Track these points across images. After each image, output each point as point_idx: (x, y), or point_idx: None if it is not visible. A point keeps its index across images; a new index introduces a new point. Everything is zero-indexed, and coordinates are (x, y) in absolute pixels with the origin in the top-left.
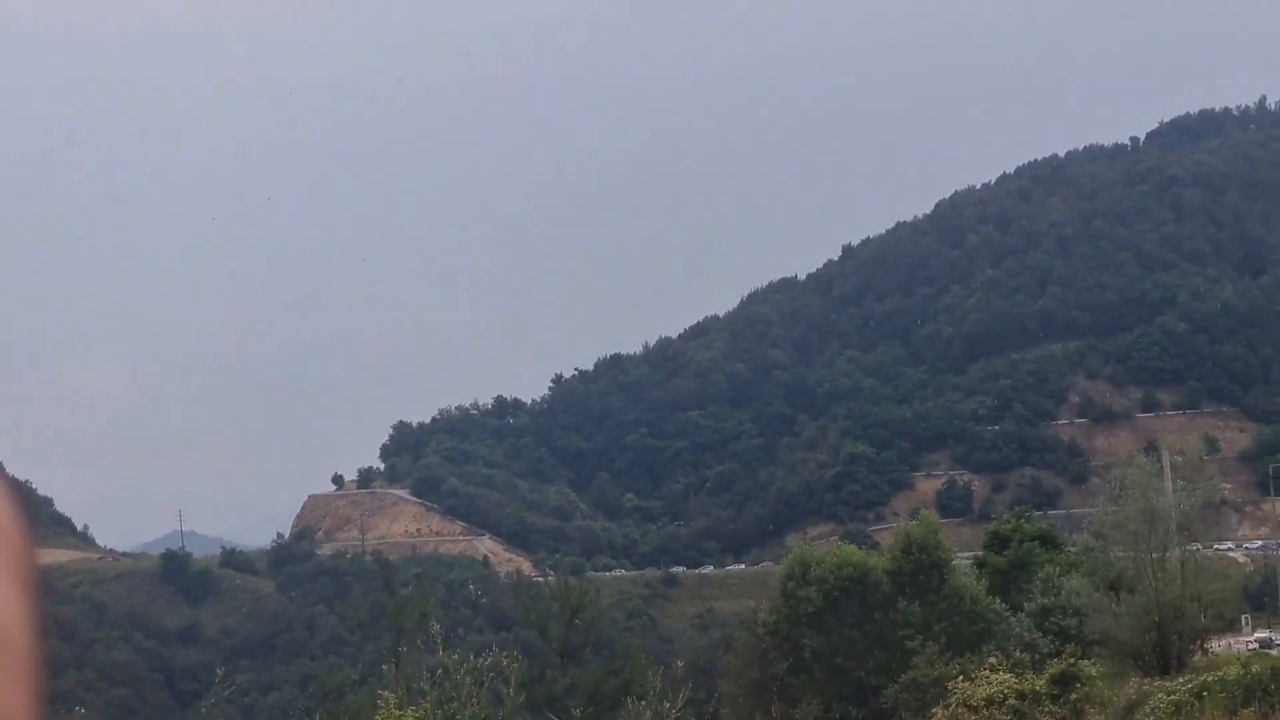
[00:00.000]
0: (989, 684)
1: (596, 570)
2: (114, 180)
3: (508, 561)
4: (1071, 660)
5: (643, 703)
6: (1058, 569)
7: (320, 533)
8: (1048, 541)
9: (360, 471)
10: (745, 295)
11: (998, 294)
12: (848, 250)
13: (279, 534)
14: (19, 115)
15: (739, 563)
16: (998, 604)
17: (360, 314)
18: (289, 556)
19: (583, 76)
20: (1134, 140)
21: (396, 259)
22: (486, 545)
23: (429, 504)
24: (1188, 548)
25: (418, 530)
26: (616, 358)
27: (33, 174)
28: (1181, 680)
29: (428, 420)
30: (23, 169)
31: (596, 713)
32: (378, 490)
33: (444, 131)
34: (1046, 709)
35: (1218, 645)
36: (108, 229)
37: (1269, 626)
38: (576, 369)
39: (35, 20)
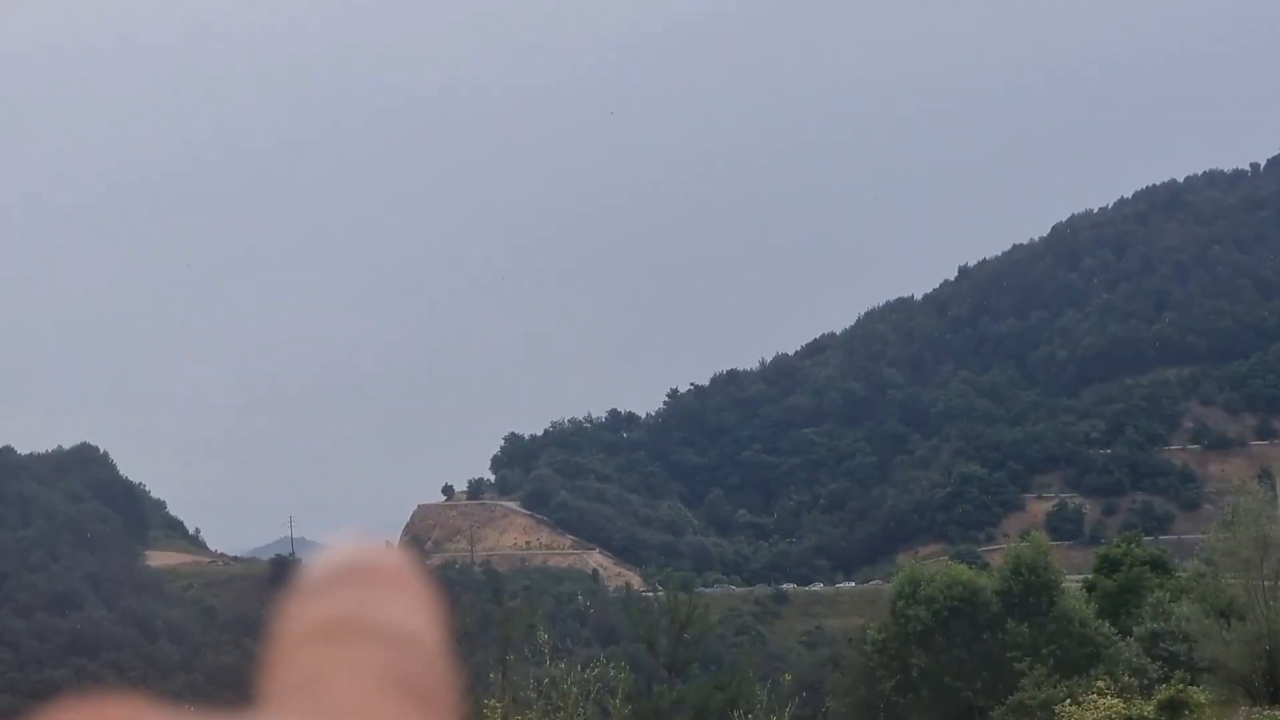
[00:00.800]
0: (1096, 708)
1: (706, 586)
2: (244, 191)
3: (617, 575)
4: (1180, 686)
5: (749, 718)
6: (1168, 594)
7: (429, 542)
8: (1158, 566)
9: (470, 482)
10: (862, 314)
11: (1113, 318)
12: (963, 271)
13: (388, 543)
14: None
15: (849, 580)
16: (1107, 628)
17: (474, 324)
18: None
19: (709, 87)
20: (1254, 166)
21: (511, 269)
22: (596, 559)
23: (539, 516)
24: None
25: (527, 542)
26: (732, 373)
27: (168, 181)
28: None
29: (540, 432)
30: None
31: None
32: (487, 501)
33: (559, 142)
34: None
35: None
36: (231, 237)
37: None
38: (692, 384)
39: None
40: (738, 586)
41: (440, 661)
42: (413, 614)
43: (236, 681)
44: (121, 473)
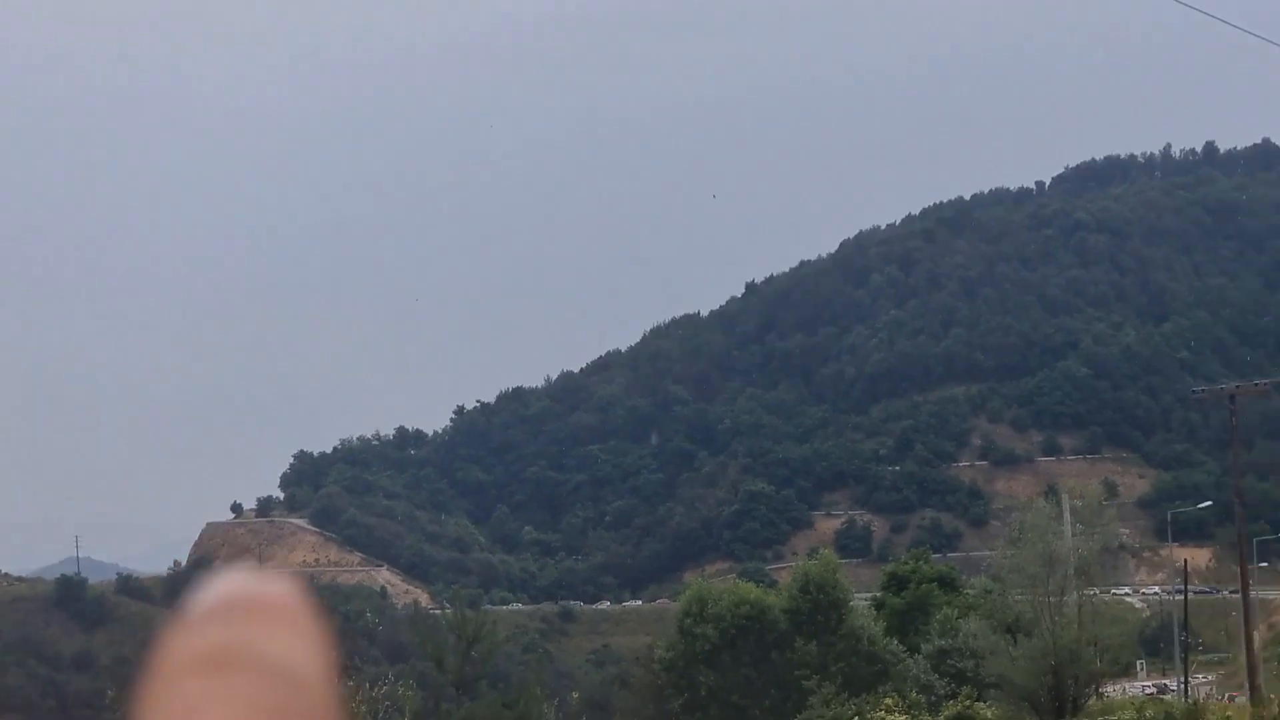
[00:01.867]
0: None
1: (494, 603)
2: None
3: (405, 593)
4: (968, 702)
5: None
6: (956, 611)
7: (218, 560)
8: (946, 583)
9: (259, 500)
10: (648, 330)
11: (901, 335)
12: (751, 288)
13: (176, 561)
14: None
15: (636, 599)
16: (895, 645)
17: (262, 342)
18: (185, 584)
19: (493, 99)
20: (1040, 185)
21: (298, 289)
22: (384, 576)
23: (328, 534)
24: (1085, 592)
25: (315, 560)
26: (518, 390)
27: None
28: None
29: (329, 450)
30: None
31: None
32: (276, 519)
33: (332, 164)
34: None
35: (1113, 690)
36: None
37: (1164, 672)
38: (479, 401)
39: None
40: (525, 604)
41: (320, 693)
42: (293, 646)
43: (21, 703)
44: None
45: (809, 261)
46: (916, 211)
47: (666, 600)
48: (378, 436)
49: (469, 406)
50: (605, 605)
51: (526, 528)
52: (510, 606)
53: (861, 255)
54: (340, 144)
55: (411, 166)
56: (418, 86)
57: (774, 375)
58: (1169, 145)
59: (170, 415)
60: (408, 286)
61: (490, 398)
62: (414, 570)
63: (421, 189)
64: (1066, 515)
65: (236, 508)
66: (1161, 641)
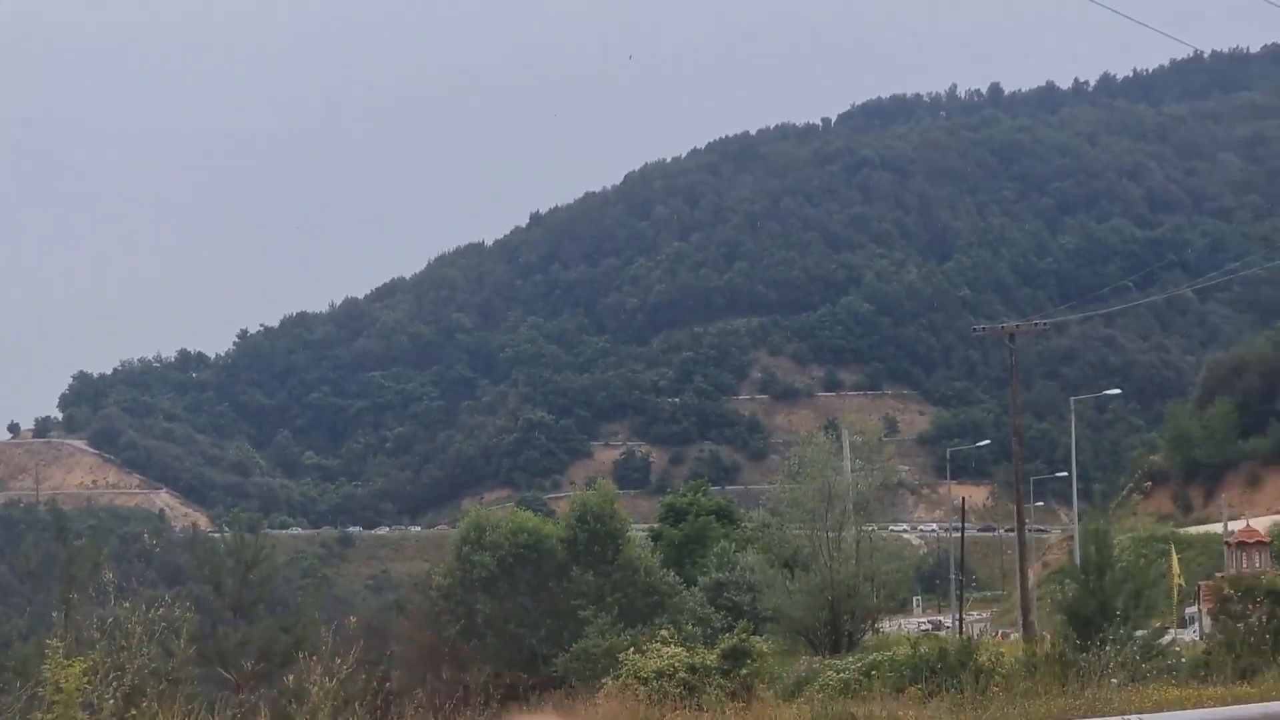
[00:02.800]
0: (660, 656)
1: (273, 528)
2: None
3: (184, 516)
4: (743, 636)
5: (314, 659)
6: (733, 544)
7: None
8: (724, 516)
9: (37, 420)
10: (432, 259)
11: (684, 267)
12: (535, 218)
13: None
14: None
15: (416, 525)
16: (672, 577)
17: (39, 260)
18: None
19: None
20: (825, 121)
21: (81, 198)
22: (164, 499)
23: (106, 455)
24: (863, 528)
25: (94, 481)
26: (302, 315)
27: None
28: (852, 659)
29: (109, 371)
30: None
31: (268, 669)
32: (54, 440)
33: (124, 74)
34: (717, 683)
35: (889, 625)
36: None
37: (940, 609)
38: (262, 325)
39: None
40: (304, 529)
41: None
42: None
43: None
44: None
45: (594, 193)
46: (702, 145)
47: (445, 527)
48: (159, 359)
49: (252, 330)
50: (384, 531)
51: (308, 453)
52: (290, 531)
53: (646, 187)
54: (129, 54)
55: (201, 79)
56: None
57: (556, 305)
58: (954, 86)
59: None
60: (192, 206)
61: (274, 322)
62: (193, 494)
63: (212, 104)
64: (846, 450)
65: (13, 428)
66: (938, 578)
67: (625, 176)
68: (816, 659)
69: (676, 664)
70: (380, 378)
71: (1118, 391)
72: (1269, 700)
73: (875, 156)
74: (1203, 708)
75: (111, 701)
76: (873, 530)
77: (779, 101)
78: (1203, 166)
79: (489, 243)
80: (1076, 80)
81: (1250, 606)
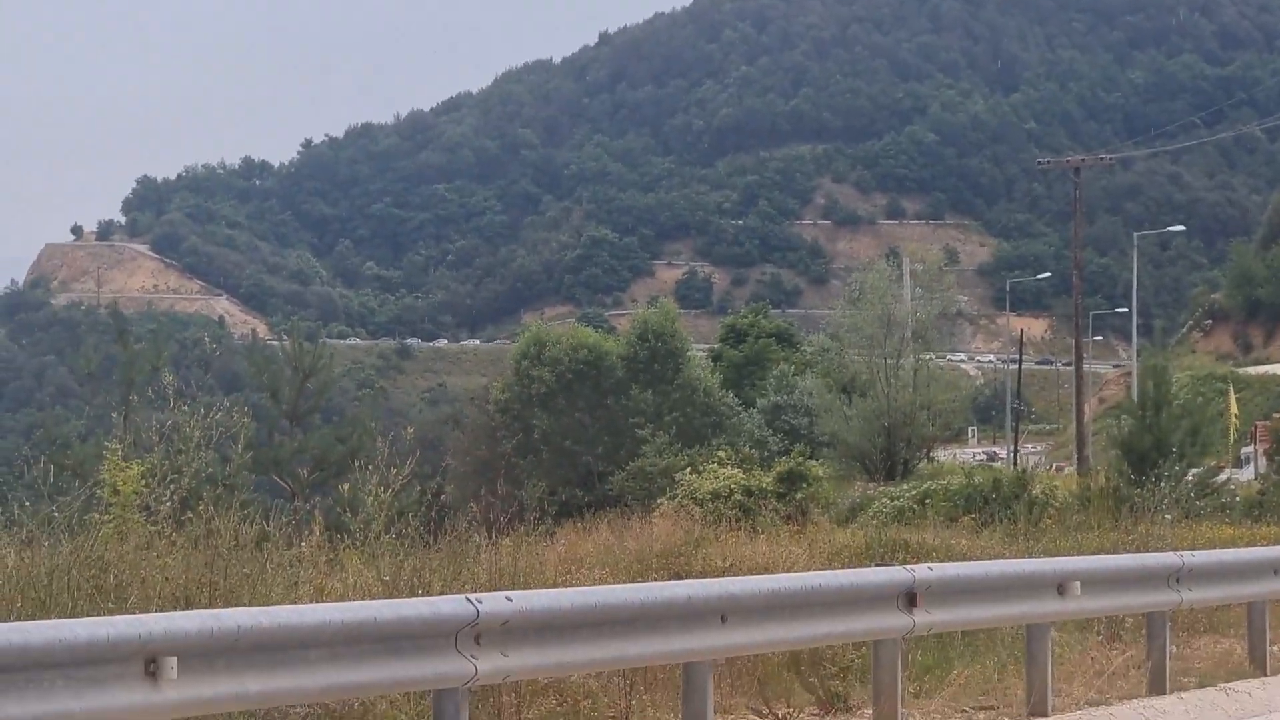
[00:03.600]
0: (716, 478)
1: (332, 337)
2: None
3: (243, 323)
4: (800, 460)
5: (369, 469)
6: (792, 368)
7: (56, 282)
8: (784, 339)
9: (100, 223)
10: (499, 74)
11: (751, 92)
12: (604, 37)
13: (13, 281)
14: None
15: (475, 339)
16: (730, 398)
17: (105, 64)
18: (22, 304)
19: None
20: None
21: (141, 9)
22: (223, 305)
23: (168, 260)
24: (921, 356)
25: (155, 286)
26: (367, 126)
27: None
28: (906, 486)
29: (173, 176)
30: None
31: (323, 478)
32: (117, 243)
33: None
34: (772, 506)
35: (944, 454)
36: None
37: (995, 440)
38: (326, 135)
39: None
40: (362, 339)
41: None
42: None
43: None
44: None
45: (663, 14)
46: None
47: (505, 342)
48: (223, 165)
49: (317, 140)
50: (443, 344)
51: (368, 263)
52: (348, 341)
53: (715, 10)
54: None
55: None
56: None
57: (622, 125)
58: None
59: (6, 133)
60: (263, 12)
61: (339, 133)
62: (253, 301)
63: None
64: (906, 278)
65: (76, 230)
66: (994, 409)
67: None
68: (871, 485)
69: (732, 485)
70: (444, 190)
71: (1181, 229)
72: None
73: None
74: (1256, 546)
75: (168, 505)
76: (930, 359)
77: None
78: (1276, 3)
79: (557, 60)
80: None
81: None
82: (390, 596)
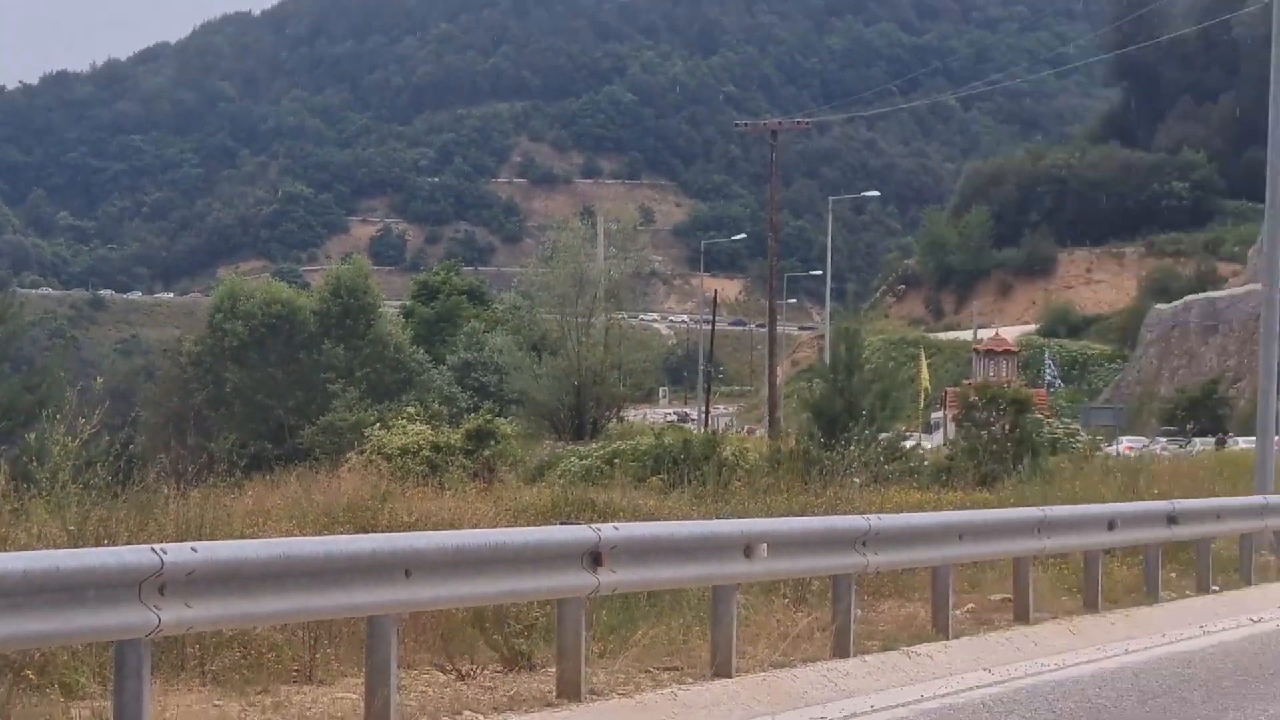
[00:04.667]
0: (405, 434)
1: (23, 286)
2: None
3: None
4: (488, 417)
5: (57, 419)
6: (483, 325)
7: None
8: (476, 297)
9: None
10: (198, 25)
11: (450, 49)
12: None
13: None
14: None
15: (169, 291)
16: (421, 355)
17: None
18: None
19: None
20: None
21: None
22: None
23: None
24: (613, 315)
25: None
26: (63, 74)
27: None
28: (595, 445)
29: None
30: None
31: (10, 427)
32: None
33: None
34: (460, 463)
35: (634, 414)
36: None
37: (686, 400)
38: (20, 82)
39: None
40: (55, 289)
41: None
42: None
43: None
44: None
45: None
46: None
47: (199, 295)
48: None
49: (10, 87)
50: (137, 296)
51: (62, 213)
52: (40, 291)
53: None
54: None
55: None
56: None
57: (321, 80)
58: None
59: None
60: None
61: (33, 80)
62: None
63: None
64: (600, 237)
65: None
66: (686, 370)
67: None
68: (560, 444)
69: (421, 442)
70: (140, 141)
71: (876, 194)
72: (1005, 505)
73: None
74: (942, 511)
75: None
76: (623, 318)
77: None
78: None
79: (256, 12)
80: None
81: (994, 414)
82: (76, 546)
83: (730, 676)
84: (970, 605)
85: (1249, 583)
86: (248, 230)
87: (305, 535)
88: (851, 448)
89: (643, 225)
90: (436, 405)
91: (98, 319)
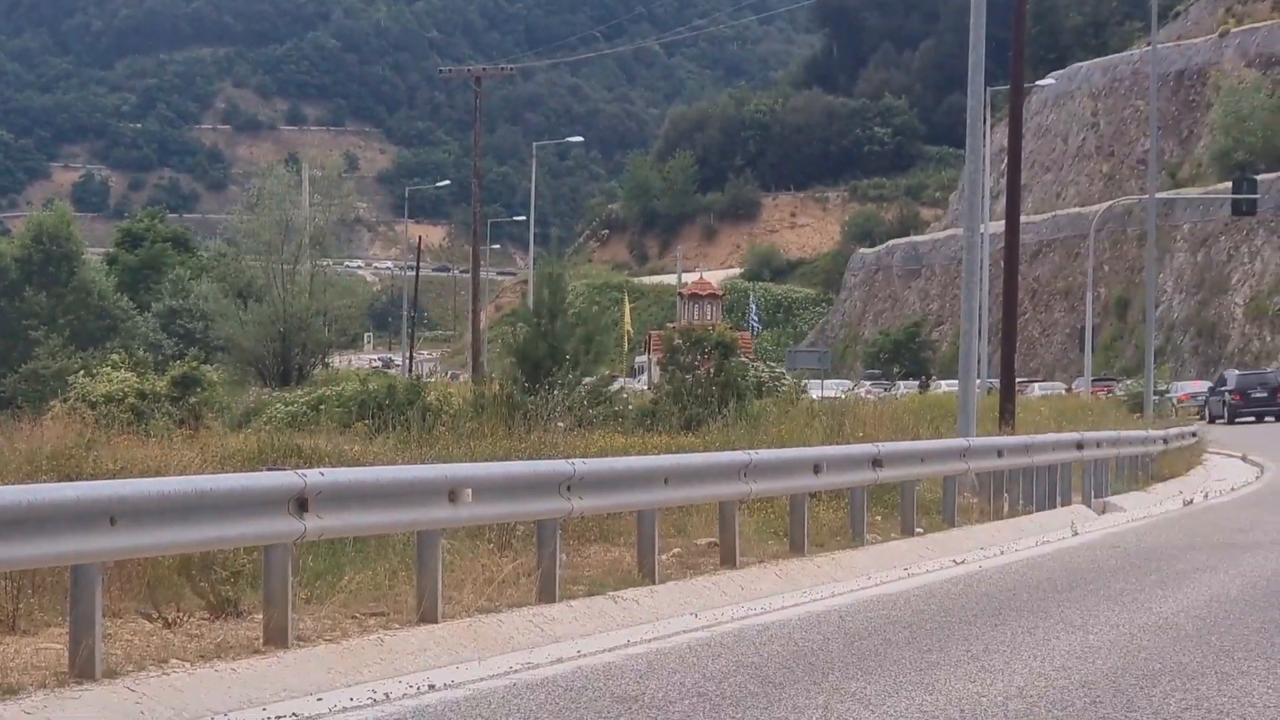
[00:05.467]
0: (109, 381)
1: None
2: None
3: None
4: (194, 364)
5: None
6: (189, 272)
7: None
8: (181, 244)
9: None
10: None
11: None
12: None
13: None
14: None
15: None
16: (125, 302)
17: None
18: None
19: None
20: None
21: None
22: None
23: None
24: (319, 262)
25: None
26: None
27: None
28: (301, 392)
29: None
30: None
31: None
32: None
33: None
34: (166, 410)
35: (340, 361)
36: None
37: (390, 346)
38: None
39: None
40: None
41: None
42: None
43: None
44: None
45: None
46: None
47: None
48: None
49: None
50: None
51: None
52: None
53: None
54: None
55: None
56: None
57: (19, 23)
58: None
59: None
60: None
61: None
62: None
63: None
64: (306, 184)
65: None
66: (391, 316)
67: None
68: (266, 391)
69: (126, 389)
70: None
71: (580, 139)
72: (710, 449)
73: None
74: (647, 455)
75: None
76: (328, 265)
77: None
78: None
79: None
80: None
81: (699, 358)
82: None
83: (436, 622)
84: (676, 550)
85: (952, 525)
86: None
87: (7, 484)
88: (556, 392)
89: (347, 172)
90: (142, 352)
91: None
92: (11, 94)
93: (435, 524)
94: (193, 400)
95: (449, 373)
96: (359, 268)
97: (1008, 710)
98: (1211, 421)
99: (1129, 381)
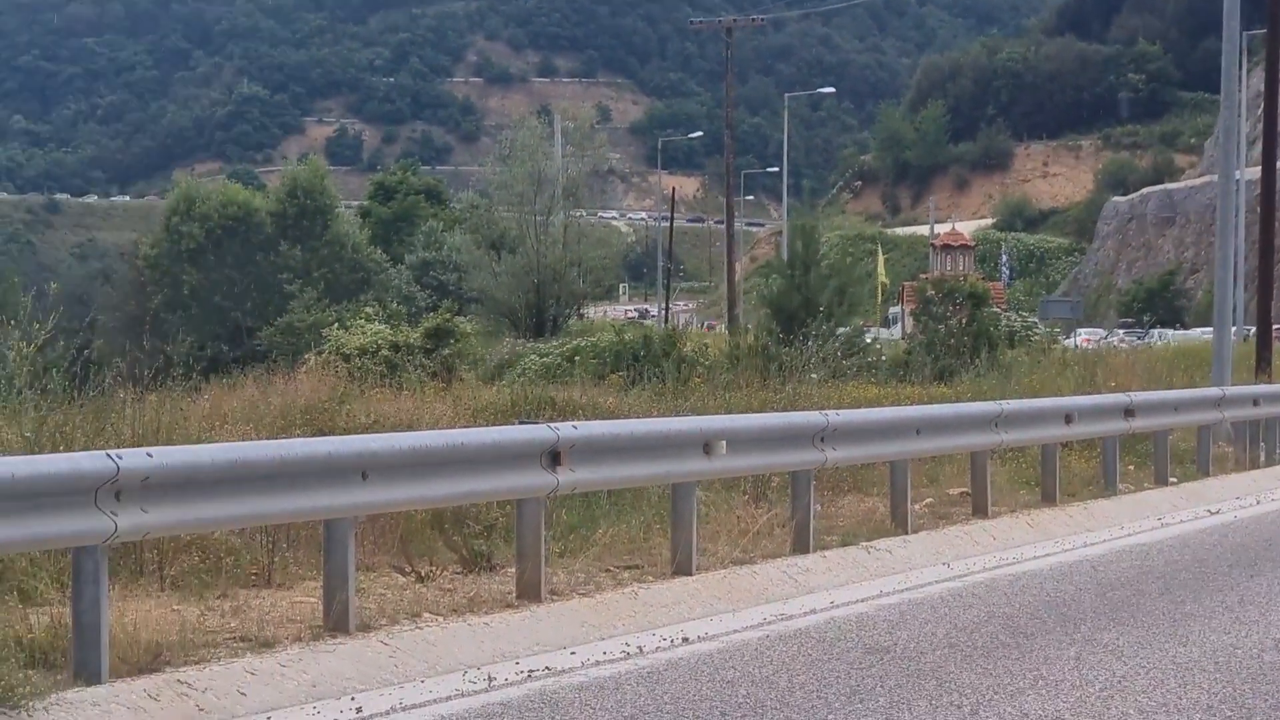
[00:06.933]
0: (363, 334)
1: None
2: None
3: None
4: (448, 316)
5: (12, 324)
6: (441, 224)
7: None
8: (433, 196)
9: None
10: None
11: None
12: None
13: None
14: None
15: (125, 194)
16: (379, 254)
17: None
18: None
19: None
20: None
21: None
22: None
23: None
24: (572, 213)
25: None
26: None
27: None
28: (555, 343)
29: None
30: None
31: None
32: None
33: None
34: (419, 362)
35: (594, 312)
36: None
37: (646, 297)
38: None
39: None
40: (10, 194)
41: None
42: None
43: None
44: None
45: None
46: None
47: (155, 198)
48: None
49: None
50: (93, 199)
51: (16, 117)
52: None
53: None
54: None
55: None
56: None
57: None
58: None
59: None
60: None
61: None
62: None
63: None
64: (558, 136)
65: None
66: (645, 267)
67: None
68: (520, 342)
69: (380, 342)
70: (93, 44)
71: (832, 90)
72: (962, 400)
73: None
74: (899, 406)
75: None
76: (581, 216)
77: None
78: None
79: None
80: None
81: (951, 309)
82: (32, 453)
83: (691, 574)
84: (929, 500)
85: (1206, 475)
86: (203, 132)
87: (261, 439)
88: (809, 344)
89: (599, 124)
90: (395, 305)
91: (53, 223)
92: (266, 50)
93: (689, 476)
94: (446, 352)
95: (705, 323)
96: (613, 219)
97: (1263, 662)
98: None
99: None
